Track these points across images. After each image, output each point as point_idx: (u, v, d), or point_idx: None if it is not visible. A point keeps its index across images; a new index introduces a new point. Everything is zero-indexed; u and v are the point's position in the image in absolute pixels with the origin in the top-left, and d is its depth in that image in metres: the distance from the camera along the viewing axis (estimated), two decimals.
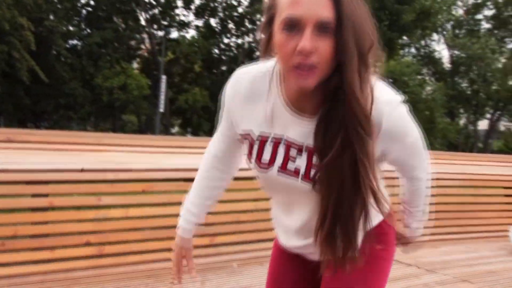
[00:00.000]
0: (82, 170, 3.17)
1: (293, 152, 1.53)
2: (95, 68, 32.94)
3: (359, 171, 1.41)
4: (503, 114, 37.91)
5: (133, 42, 43.02)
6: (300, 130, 1.50)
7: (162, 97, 27.60)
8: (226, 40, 44.14)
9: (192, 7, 43.25)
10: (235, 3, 43.10)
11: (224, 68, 41.43)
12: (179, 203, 3.30)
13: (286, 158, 1.55)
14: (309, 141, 1.49)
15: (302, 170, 1.52)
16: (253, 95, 1.55)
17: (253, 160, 1.62)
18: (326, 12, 1.32)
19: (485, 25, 37.18)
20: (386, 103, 1.44)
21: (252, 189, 3.64)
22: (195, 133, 43.86)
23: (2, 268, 2.93)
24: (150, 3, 41.16)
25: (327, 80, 1.37)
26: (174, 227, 3.04)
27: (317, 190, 1.49)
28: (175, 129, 44.84)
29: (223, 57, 42.53)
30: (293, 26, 1.34)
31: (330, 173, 1.44)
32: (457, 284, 3.44)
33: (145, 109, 33.91)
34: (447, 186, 5.07)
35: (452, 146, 34.74)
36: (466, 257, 4.11)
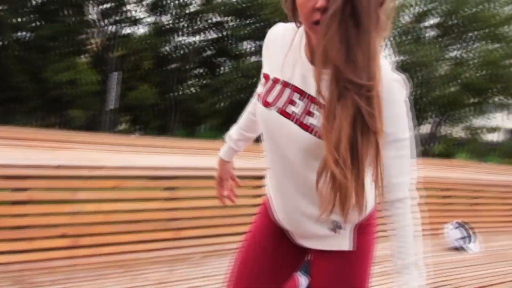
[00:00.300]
0: (58, 167, 3.43)
1: (296, 97, 1.75)
2: (44, 62, 32.39)
3: (359, 120, 1.53)
4: (444, 119, 39.30)
5: (83, 37, 42.48)
6: (309, 79, 1.68)
7: (113, 94, 27.50)
8: (178, 38, 44.03)
9: (144, 3, 43.00)
10: (187, 1, 43.04)
11: (173, 66, 41.26)
12: (148, 199, 3.66)
13: (288, 101, 1.76)
14: (313, 91, 1.67)
15: (298, 113, 1.73)
16: (282, 42, 1.84)
17: (261, 99, 1.86)
18: None
19: (431, 33, 38.50)
20: (395, 80, 1.71)
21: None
22: (144, 130, 43.57)
23: None
24: None
25: None
26: (144, 221, 3.38)
27: (319, 134, 1.64)
28: (122, 126, 44.38)
29: (174, 55, 42.38)
30: None
31: (329, 119, 1.55)
32: (381, 277, 3.86)
33: (94, 105, 33.56)
34: None
35: None
36: None
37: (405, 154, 1.83)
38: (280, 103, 1.76)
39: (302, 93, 1.71)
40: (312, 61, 1.69)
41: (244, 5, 43.54)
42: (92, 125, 40.47)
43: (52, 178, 3.40)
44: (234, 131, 2.22)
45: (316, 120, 1.68)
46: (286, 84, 1.75)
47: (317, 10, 1.51)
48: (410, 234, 1.87)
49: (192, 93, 37.53)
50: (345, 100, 1.48)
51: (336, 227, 1.96)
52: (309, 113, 1.68)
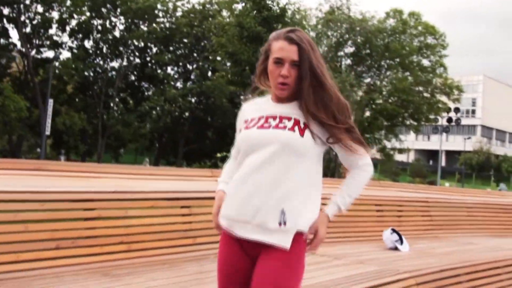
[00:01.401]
0: (114, 192, 4.57)
1: (284, 119, 2.47)
2: None
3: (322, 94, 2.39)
4: None
5: (3, 60, 41.58)
6: (283, 109, 2.49)
7: (49, 120, 27.67)
8: (101, 63, 43.84)
9: (67, 28, 42.71)
10: (109, 27, 43.08)
11: (97, 90, 41.11)
12: (171, 215, 4.93)
13: (279, 121, 2.47)
14: (289, 113, 2.46)
15: (288, 127, 2.43)
16: (255, 105, 2.63)
17: (254, 128, 2.50)
18: (294, 56, 2.42)
19: (346, 61, 40.79)
20: None
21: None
22: (68, 155, 43.25)
23: (82, 257, 4.27)
24: (24, 22, 40.06)
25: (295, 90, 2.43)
26: (171, 231, 4.67)
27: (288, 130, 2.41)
28: (48, 150, 43.49)
29: (98, 80, 42.26)
30: (279, 62, 2.44)
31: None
32: (357, 264, 5.20)
33: (20, 131, 33.36)
34: None
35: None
36: (357, 251, 5.92)
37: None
38: (273, 124, 2.48)
39: (287, 117, 2.49)
40: (278, 101, 2.54)
41: (167, 33, 44.29)
42: (14, 150, 39.85)
43: (110, 201, 4.49)
44: (223, 179, 2.74)
45: (286, 125, 2.46)
46: (273, 116, 2.52)
47: (281, 76, 2.42)
48: (361, 186, 2.57)
49: (117, 118, 37.89)
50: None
51: (282, 221, 2.39)
52: (281, 122, 2.47)
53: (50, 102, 28.38)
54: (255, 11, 33.48)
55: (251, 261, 2.49)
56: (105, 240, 4.40)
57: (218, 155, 39.34)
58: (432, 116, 40.27)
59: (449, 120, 38.10)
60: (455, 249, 6.67)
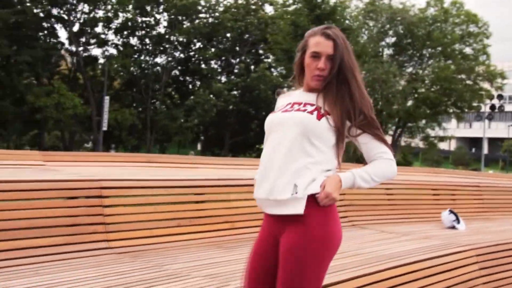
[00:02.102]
0: (218, 179, 5.53)
1: (307, 105, 2.62)
2: (25, 86, 33.45)
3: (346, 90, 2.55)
4: (403, 131, 42.00)
5: (52, 60, 43.03)
6: (310, 97, 2.63)
7: (106, 116, 29.00)
8: (146, 58, 44.91)
9: (112, 26, 43.91)
10: (153, 23, 44.16)
11: (143, 86, 42.27)
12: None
13: (303, 106, 2.62)
14: (314, 100, 2.60)
15: (308, 110, 2.57)
16: (290, 95, 2.78)
17: (279, 112, 2.66)
18: (330, 50, 2.58)
19: (388, 51, 41.07)
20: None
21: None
22: (117, 149, 44.59)
23: (198, 233, 5.19)
24: (72, 21, 41.32)
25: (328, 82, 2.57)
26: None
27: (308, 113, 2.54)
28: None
29: (144, 76, 43.33)
30: (316, 56, 2.60)
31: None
32: (423, 239, 5.99)
33: (74, 127, 34.79)
34: (396, 188, 7.69)
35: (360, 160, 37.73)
36: (421, 229, 6.72)
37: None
38: (295, 108, 2.64)
39: (311, 103, 2.63)
40: (308, 90, 2.69)
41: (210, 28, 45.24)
42: (69, 145, 41.48)
43: (215, 187, 5.42)
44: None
45: (307, 109, 2.60)
46: (298, 103, 2.67)
47: (317, 69, 2.58)
48: (382, 172, 2.66)
49: (165, 112, 39.15)
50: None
51: (294, 192, 2.50)
52: (304, 107, 2.62)
53: (107, 99, 29.65)
54: (306, 9, 34.81)
55: (276, 238, 2.63)
56: (213, 219, 5.30)
57: (262, 146, 40.10)
58: (475, 104, 40.28)
59: (492, 107, 38.11)
60: (508, 228, 7.37)
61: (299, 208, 2.51)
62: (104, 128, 30.01)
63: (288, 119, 2.62)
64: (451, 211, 7.29)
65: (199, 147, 53.08)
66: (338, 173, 2.63)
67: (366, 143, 2.64)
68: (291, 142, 2.56)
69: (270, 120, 2.72)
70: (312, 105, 2.63)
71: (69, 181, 4.50)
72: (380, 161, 2.64)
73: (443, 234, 6.50)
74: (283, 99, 2.83)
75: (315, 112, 2.58)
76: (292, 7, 39.09)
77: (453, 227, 7.11)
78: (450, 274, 5.09)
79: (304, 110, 2.60)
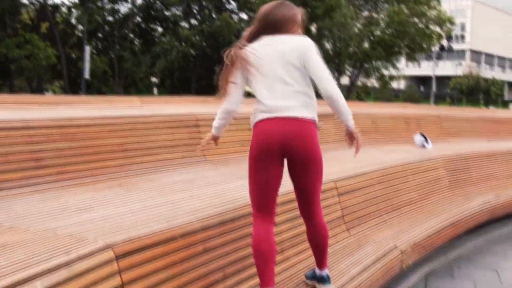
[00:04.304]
0: None
1: None
2: None
3: None
4: (360, 72, 44.37)
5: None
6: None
7: (87, 65, 29.91)
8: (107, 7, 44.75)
9: None
10: None
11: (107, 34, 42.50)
12: None
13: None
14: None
15: None
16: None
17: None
18: None
19: None
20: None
21: None
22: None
23: None
24: None
25: None
26: None
27: None
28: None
29: (108, 23, 43.36)
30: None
31: None
32: (404, 153, 8.25)
33: (47, 76, 35.35)
34: (379, 118, 9.91)
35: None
36: (400, 148, 9.00)
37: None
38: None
39: None
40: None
41: None
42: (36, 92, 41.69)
43: None
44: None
45: None
46: None
47: None
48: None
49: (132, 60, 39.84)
50: None
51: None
52: None
53: (87, 48, 30.48)
54: None
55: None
56: None
57: None
58: (425, 46, 42.70)
59: (442, 48, 40.59)
60: (463, 146, 9.65)
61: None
62: (86, 76, 30.85)
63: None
64: (422, 134, 9.53)
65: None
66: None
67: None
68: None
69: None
70: None
71: (172, 115, 6.32)
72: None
73: (417, 151, 8.74)
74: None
75: None
76: None
77: (423, 146, 9.34)
78: (425, 174, 7.27)
79: None
